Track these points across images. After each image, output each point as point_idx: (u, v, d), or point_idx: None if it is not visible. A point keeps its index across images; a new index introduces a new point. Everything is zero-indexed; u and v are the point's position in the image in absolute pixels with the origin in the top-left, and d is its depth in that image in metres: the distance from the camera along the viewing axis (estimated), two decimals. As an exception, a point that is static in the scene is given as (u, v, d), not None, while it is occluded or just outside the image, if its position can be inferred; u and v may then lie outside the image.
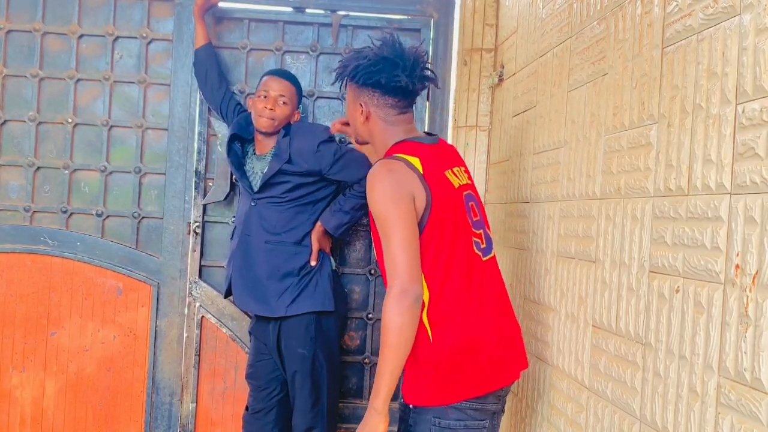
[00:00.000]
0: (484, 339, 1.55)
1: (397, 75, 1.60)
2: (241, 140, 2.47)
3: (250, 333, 2.48)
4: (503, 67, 2.51)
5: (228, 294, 2.49)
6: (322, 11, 2.74)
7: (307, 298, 2.33)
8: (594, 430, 1.55)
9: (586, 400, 1.60)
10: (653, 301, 1.31)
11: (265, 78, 2.40)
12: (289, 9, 2.74)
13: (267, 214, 2.35)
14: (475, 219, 1.64)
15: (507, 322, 1.65)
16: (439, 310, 1.53)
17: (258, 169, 2.41)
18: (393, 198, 1.51)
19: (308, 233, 2.37)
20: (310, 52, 2.74)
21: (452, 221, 1.57)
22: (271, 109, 2.33)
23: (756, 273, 1.02)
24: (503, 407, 1.65)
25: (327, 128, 2.46)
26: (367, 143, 1.80)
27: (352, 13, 2.75)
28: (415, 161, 1.56)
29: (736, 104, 1.09)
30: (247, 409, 2.46)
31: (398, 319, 1.45)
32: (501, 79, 2.53)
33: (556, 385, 1.81)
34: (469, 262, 1.58)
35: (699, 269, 1.16)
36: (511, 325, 1.67)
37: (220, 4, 2.67)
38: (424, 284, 1.53)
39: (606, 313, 1.51)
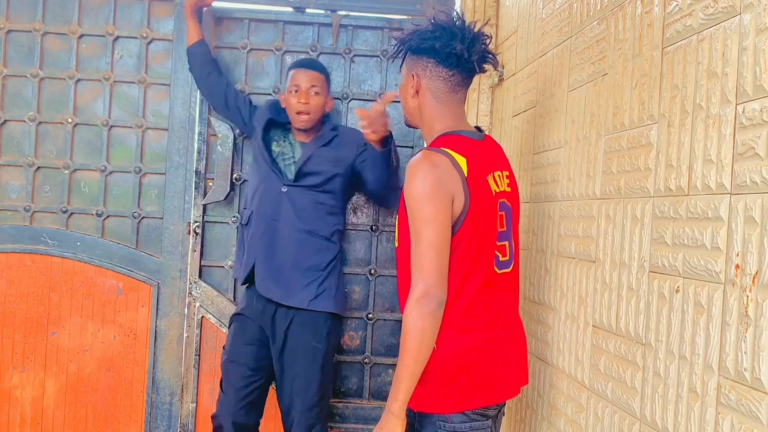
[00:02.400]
0: (487, 353, 1.53)
1: (453, 43, 1.55)
2: (270, 125, 2.47)
3: (240, 314, 2.39)
4: (503, 67, 2.51)
5: (245, 281, 2.39)
6: (322, 11, 2.74)
7: (330, 298, 2.34)
8: (594, 430, 1.55)
9: (586, 400, 1.60)
10: (653, 301, 1.31)
11: (292, 72, 2.41)
12: (289, 9, 2.74)
13: (302, 203, 2.35)
14: (501, 230, 1.59)
15: (513, 337, 1.62)
16: (447, 319, 1.50)
17: (298, 154, 2.42)
18: (432, 195, 1.45)
19: (336, 232, 2.41)
20: (310, 52, 2.74)
21: (481, 231, 1.52)
22: (306, 103, 2.35)
23: (756, 273, 1.02)
24: (503, 411, 1.65)
25: None
26: (413, 127, 1.73)
27: (352, 13, 2.75)
28: (462, 162, 1.50)
29: (736, 104, 1.09)
30: (222, 390, 2.37)
31: (419, 323, 1.42)
32: (501, 79, 2.53)
33: (556, 385, 1.81)
34: (486, 275, 1.54)
35: (699, 269, 1.16)
36: (518, 340, 1.64)
37: (222, 4, 2.67)
38: None
39: (606, 313, 1.51)
